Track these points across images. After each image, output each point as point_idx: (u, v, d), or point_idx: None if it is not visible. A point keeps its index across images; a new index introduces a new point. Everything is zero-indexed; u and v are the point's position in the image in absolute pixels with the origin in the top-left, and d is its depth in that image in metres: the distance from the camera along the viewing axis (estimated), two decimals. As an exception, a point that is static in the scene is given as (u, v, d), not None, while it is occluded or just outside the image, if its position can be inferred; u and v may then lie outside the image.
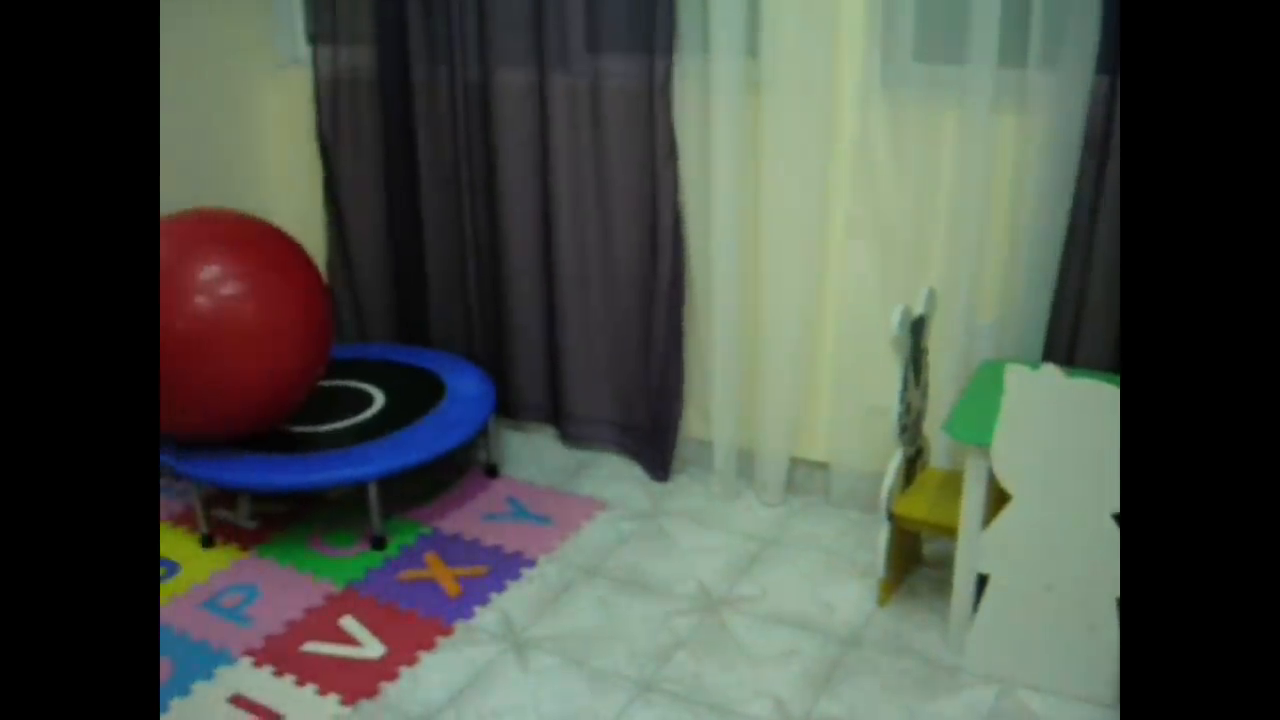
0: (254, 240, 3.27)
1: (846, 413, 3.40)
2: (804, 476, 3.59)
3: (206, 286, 3.12)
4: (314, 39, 4.09)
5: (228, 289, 3.14)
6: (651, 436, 3.73)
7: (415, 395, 3.66)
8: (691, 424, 3.72)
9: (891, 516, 2.94)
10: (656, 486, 3.70)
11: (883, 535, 2.96)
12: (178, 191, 3.91)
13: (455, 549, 3.35)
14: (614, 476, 3.77)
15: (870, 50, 3.06)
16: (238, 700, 2.76)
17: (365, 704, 2.72)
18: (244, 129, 4.29)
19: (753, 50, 3.23)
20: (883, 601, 3.05)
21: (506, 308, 3.92)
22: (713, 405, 3.58)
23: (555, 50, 3.56)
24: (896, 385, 2.90)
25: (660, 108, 3.38)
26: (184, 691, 2.79)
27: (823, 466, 3.55)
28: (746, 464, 3.62)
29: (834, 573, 3.20)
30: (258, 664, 2.88)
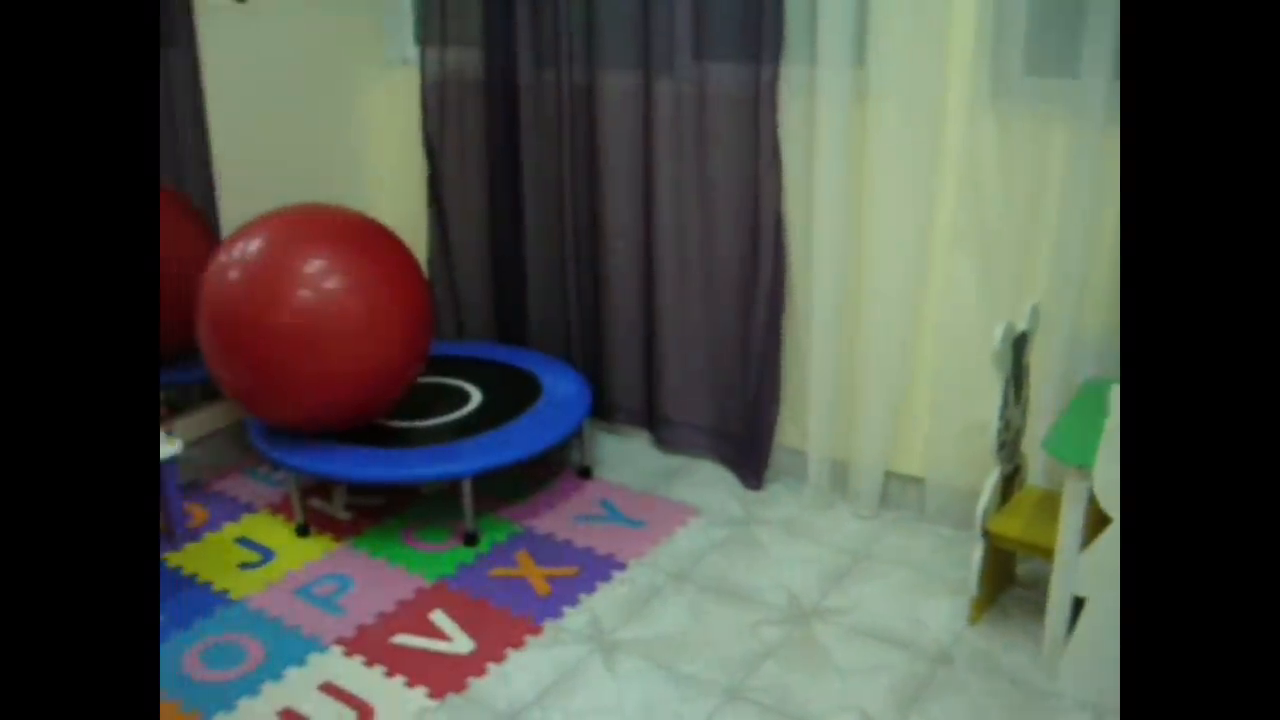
0: (358, 236, 3.32)
1: (944, 427, 3.36)
2: (898, 490, 3.56)
3: (310, 280, 3.17)
4: (422, 40, 4.14)
5: (331, 283, 3.18)
6: (746, 444, 3.72)
7: (512, 394, 3.69)
8: (786, 433, 3.70)
9: (986, 534, 2.91)
10: (749, 494, 3.69)
11: (977, 553, 2.93)
12: (285, 186, 3.98)
13: (547, 549, 3.36)
14: (707, 483, 3.76)
15: (980, 62, 3.03)
16: (328, 688, 2.79)
17: (453, 698, 2.75)
18: (351, 127, 4.36)
19: (860, 60, 3.21)
20: (974, 620, 3.01)
21: (605, 310, 3.94)
22: (808, 415, 3.56)
23: (661, 55, 3.56)
24: (996, 401, 2.86)
25: (765, 115, 3.37)
26: (276, 676, 2.83)
27: (918, 481, 3.51)
28: (840, 475, 3.60)
29: (925, 588, 3.16)
30: (349, 653, 2.92)
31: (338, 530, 3.49)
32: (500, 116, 4.01)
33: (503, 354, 4.03)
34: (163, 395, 3.40)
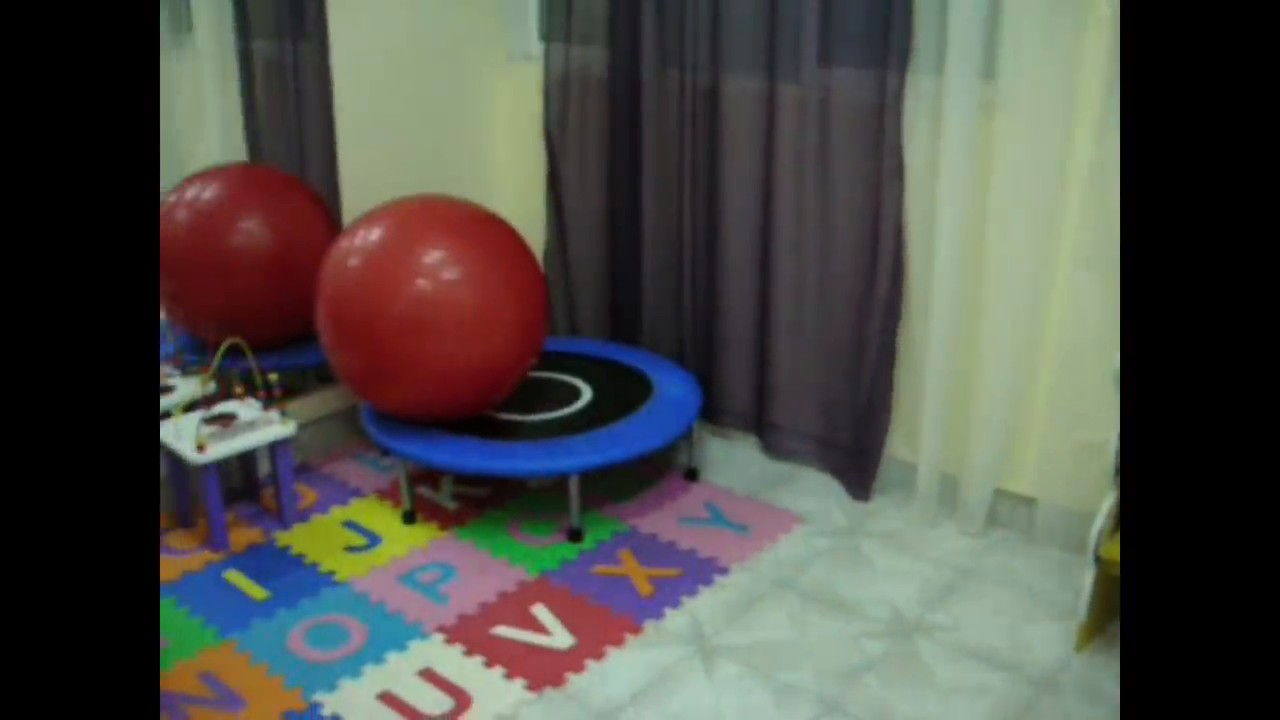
0: (477, 228, 3.35)
1: (1058, 447, 3.30)
2: (1008, 509, 3.49)
3: (428, 270, 3.20)
4: (547, 36, 4.16)
5: (448, 274, 3.21)
6: (855, 455, 3.68)
7: (622, 393, 3.69)
8: (896, 445, 3.65)
9: (1099, 560, 2.84)
10: (856, 505, 3.65)
11: (1088, 578, 2.86)
12: (406, 176, 4.03)
13: (650, 549, 3.36)
14: (813, 491, 3.73)
15: (1113, 78, 2.96)
16: (427, 674, 2.82)
17: (550, 692, 2.75)
18: (473, 120, 4.39)
19: (989, 72, 3.16)
20: (1081, 647, 2.94)
21: (719, 313, 3.92)
22: (920, 428, 3.51)
23: (786, 60, 3.54)
24: (1116, 423, 2.79)
25: (890, 124, 3.33)
26: (378, 659, 2.87)
27: (1028, 501, 3.44)
28: (950, 491, 3.54)
29: (1032, 611, 3.10)
30: (449, 641, 2.94)
31: (443, 519, 3.53)
32: (622, 115, 4.02)
33: (614, 352, 4.04)
34: (278, 377, 3.46)
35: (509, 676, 2.81)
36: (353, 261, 3.27)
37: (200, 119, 4.30)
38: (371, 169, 3.98)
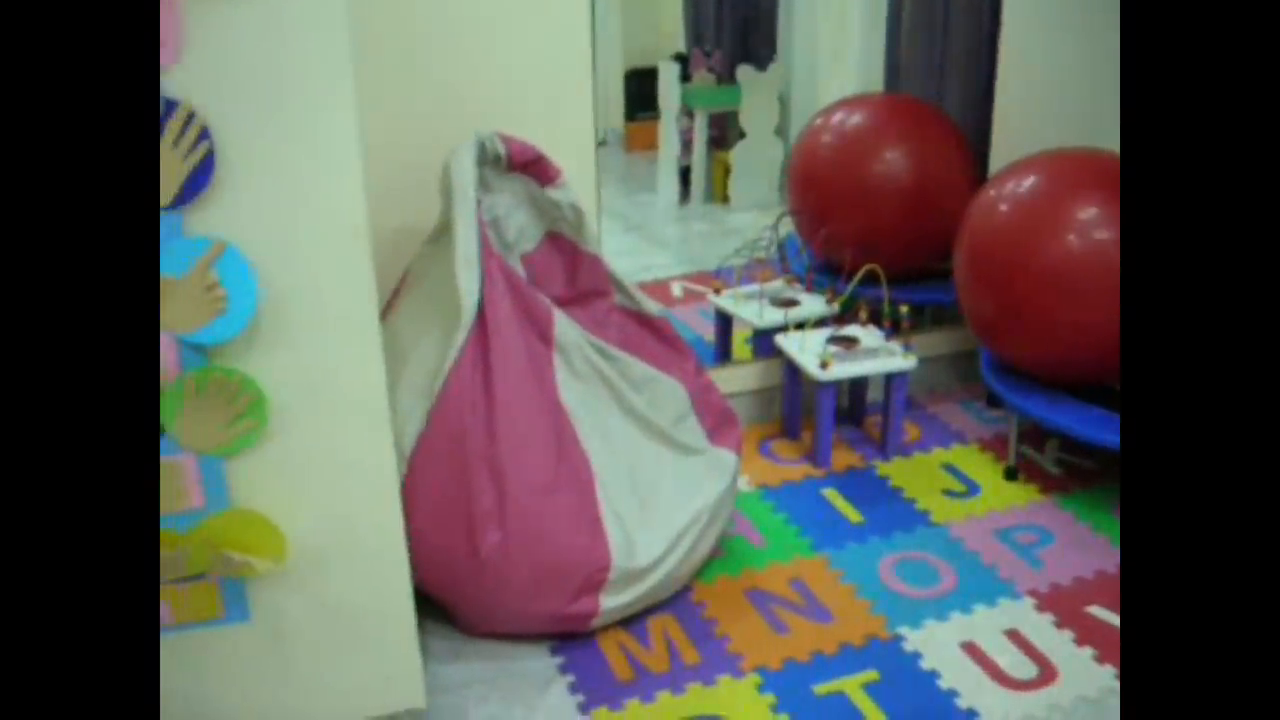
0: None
1: None
2: None
3: (1080, 227, 3.09)
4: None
5: (1101, 234, 3.08)
6: None
7: (1261, 389, 3.41)
8: None
9: None
10: None
11: None
12: (1061, 127, 3.90)
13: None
14: None
15: None
16: (1014, 635, 2.76)
17: (1141, 685, 2.63)
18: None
19: None
20: None
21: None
22: None
23: None
24: None
25: None
26: (964, 608, 2.85)
27: None
28: None
29: None
30: (1039, 608, 2.87)
31: (1046, 482, 3.43)
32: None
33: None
34: (906, 310, 3.46)
35: (1100, 660, 2.70)
36: (1003, 206, 3.22)
37: (841, 49, 4.39)
38: (1028, 113, 3.87)
